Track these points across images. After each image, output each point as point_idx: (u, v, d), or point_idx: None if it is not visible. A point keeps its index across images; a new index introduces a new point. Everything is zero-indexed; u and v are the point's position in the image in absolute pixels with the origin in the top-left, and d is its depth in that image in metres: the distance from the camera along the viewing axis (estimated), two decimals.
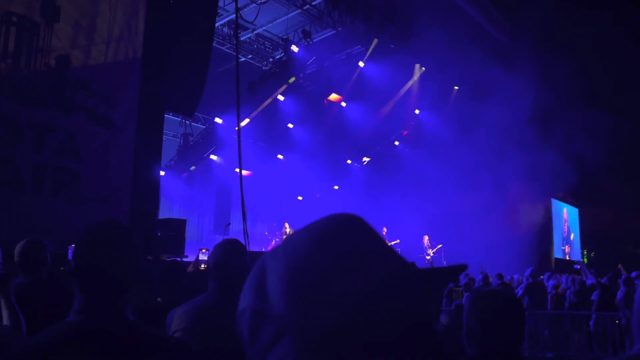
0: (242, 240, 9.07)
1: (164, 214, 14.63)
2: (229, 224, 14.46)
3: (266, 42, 19.90)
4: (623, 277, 9.39)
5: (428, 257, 18.42)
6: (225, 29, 17.96)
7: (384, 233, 18.05)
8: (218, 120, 17.72)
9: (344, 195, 20.88)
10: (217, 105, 17.01)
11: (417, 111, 21.38)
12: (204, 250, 8.29)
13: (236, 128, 9.87)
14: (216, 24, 14.46)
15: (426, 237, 18.75)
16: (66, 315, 1.47)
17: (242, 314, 0.68)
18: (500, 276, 10.95)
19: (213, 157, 18.86)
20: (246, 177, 15.37)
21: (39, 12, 7.89)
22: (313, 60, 17.84)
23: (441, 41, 16.17)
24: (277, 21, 17.73)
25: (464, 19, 17.53)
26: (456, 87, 20.60)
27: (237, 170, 9.90)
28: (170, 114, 15.23)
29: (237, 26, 10.50)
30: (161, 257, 8.74)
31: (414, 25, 16.76)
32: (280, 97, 18.62)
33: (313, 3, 16.40)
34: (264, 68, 19.57)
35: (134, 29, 9.11)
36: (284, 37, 18.03)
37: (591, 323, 9.42)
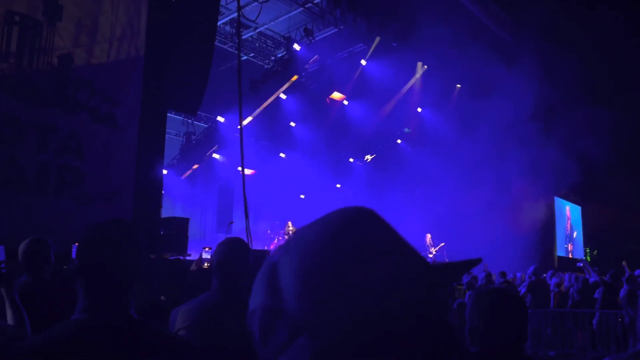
0: (245, 239, 9.09)
1: (166, 212, 14.65)
2: (232, 222, 14.48)
3: (268, 41, 19.89)
4: (626, 275, 9.37)
5: (431, 255, 18.40)
6: (228, 28, 17.95)
7: None
8: (220, 118, 17.73)
9: (347, 194, 20.87)
10: (220, 104, 17.02)
11: (419, 109, 21.36)
12: (207, 249, 8.29)
13: (238, 127, 9.88)
14: (218, 23, 14.46)
15: (429, 236, 18.73)
16: (70, 313, 1.48)
17: (253, 313, 0.66)
18: (503, 274, 10.95)
19: (215, 155, 18.87)
20: (248, 175, 15.38)
21: (41, 11, 7.90)
22: (315, 58, 17.83)
23: (443, 39, 16.14)
24: (279, 19, 17.71)
25: (466, 16, 17.50)
26: (458, 85, 20.56)
27: (240, 168, 9.91)
28: (173, 112, 15.24)
29: (239, 24, 10.50)
30: (164, 255, 8.76)
31: (415, 23, 16.72)
32: (283, 96, 18.62)
33: (315, 1, 16.39)
34: (266, 66, 19.57)
35: (136, 28, 9.12)
36: (286, 35, 18.02)
37: (594, 321, 9.40)
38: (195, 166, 18.59)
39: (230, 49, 17.86)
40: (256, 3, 15.44)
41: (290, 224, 17.68)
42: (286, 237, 17.54)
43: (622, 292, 8.87)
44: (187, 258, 9.65)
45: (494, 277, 10.71)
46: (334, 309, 0.59)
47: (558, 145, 19.44)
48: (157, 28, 9.34)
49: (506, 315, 1.99)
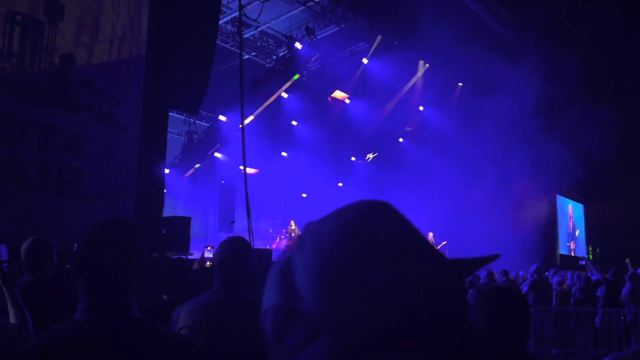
0: (247, 238, 9.09)
1: (168, 211, 14.67)
2: (234, 221, 14.51)
3: (270, 40, 19.89)
4: (629, 272, 9.36)
5: None
6: (229, 27, 17.95)
7: None
8: (222, 117, 17.73)
9: (348, 192, 20.87)
10: (221, 103, 17.03)
11: (421, 108, 21.34)
12: (209, 248, 8.30)
13: (240, 126, 9.89)
14: (220, 22, 14.46)
15: (431, 234, 18.72)
16: (72, 313, 1.48)
17: (266, 313, 0.63)
18: (505, 273, 10.94)
19: (217, 154, 18.88)
20: (251, 174, 15.38)
21: (42, 11, 7.91)
22: (317, 57, 17.83)
23: (445, 37, 16.13)
24: (281, 18, 17.71)
25: (467, 14, 17.48)
26: (460, 84, 20.54)
27: (242, 167, 9.91)
28: (175, 111, 15.25)
29: (240, 23, 10.49)
30: (166, 254, 8.77)
31: (417, 22, 16.70)
32: (284, 95, 18.61)
33: (316, 0, 16.38)
34: (267, 65, 19.56)
35: (137, 27, 9.12)
36: (288, 34, 18.02)
37: (597, 319, 9.39)
38: (197, 165, 18.60)
39: (232, 48, 17.86)
40: (257, 2, 15.45)
41: (292, 223, 17.70)
42: (289, 236, 17.56)
43: (625, 290, 8.86)
44: (189, 257, 9.67)
45: (496, 276, 10.71)
46: (355, 308, 0.56)
47: (560, 143, 19.43)
48: (158, 27, 9.34)
49: (508, 313, 1.98)
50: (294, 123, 20.07)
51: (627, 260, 10.59)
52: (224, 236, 11.22)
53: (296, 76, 18.00)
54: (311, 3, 16.31)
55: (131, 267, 1.52)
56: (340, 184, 21.63)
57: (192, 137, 19.05)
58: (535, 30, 18.17)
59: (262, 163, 18.76)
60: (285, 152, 20.76)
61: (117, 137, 8.67)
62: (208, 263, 6.90)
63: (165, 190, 10.73)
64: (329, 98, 19.74)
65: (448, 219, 18.84)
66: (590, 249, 27.62)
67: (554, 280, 11.08)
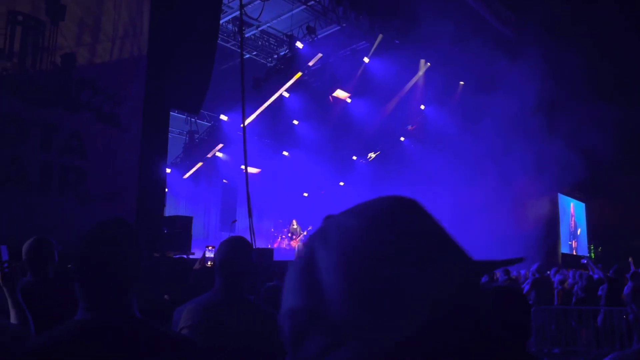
0: (248, 237, 9.10)
1: (170, 211, 14.68)
2: (235, 220, 14.51)
3: (271, 39, 19.88)
4: (631, 271, 9.33)
5: None
6: (230, 26, 17.95)
7: None
8: (223, 117, 17.73)
9: (350, 192, 20.86)
10: (222, 103, 17.02)
11: (422, 106, 21.32)
12: (210, 248, 8.31)
13: (241, 125, 9.89)
14: (221, 21, 14.46)
15: None
16: (73, 313, 1.48)
17: (287, 314, 0.58)
18: (506, 272, 10.91)
19: (219, 154, 18.88)
20: (252, 174, 15.37)
21: (44, 11, 7.92)
22: (318, 57, 17.81)
23: (446, 36, 16.11)
24: (282, 18, 17.70)
25: (468, 12, 17.46)
26: (462, 82, 20.52)
27: (243, 167, 9.92)
28: (176, 111, 15.25)
29: (241, 23, 10.51)
30: (168, 254, 8.78)
31: (418, 21, 16.69)
32: (285, 94, 18.61)
33: None
34: (268, 65, 19.56)
35: (138, 27, 9.13)
36: (289, 33, 18.00)
37: (599, 318, 9.38)
38: (199, 165, 18.60)
39: (233, 48, 17.86)
40: (259, 1, 15.45)
41: (295, 222, 17.72)
42: (290, 235, 17.58)
43: (627, 289, 8.83)
44: (191, 257, 9.67)
45: (497, 275, 10.69)
46: (386, 310, 0.53)
47: (562, 142, 19.40)
48: (159, 27, 9.34)
49: (510, 313, 1.98)
50: (296, 122, 20.07)
51: (630, 259, 10.56)
52: (225, 235, 11.21)
53: (298, 74, 17.99)
54: (312, 2, 16.30)
55: (131, 267, 1.52)
56: (341, 183, 21.62)
57: (193, 136, 19.05)
58: (536, 27, 18.14)
59: (263, 162, 18.76)
60: (287, 151, 20.76)
61: (119, 136, 8.68)
62: (209, 263, 6.90)
63: (166, 190, 10.74)
64: (330, 97, 19.73)
65: (450, 217, 18.79)
66: (592, 247, 27.59)
67: (556, 279, 11.07)
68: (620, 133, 19.21)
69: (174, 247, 9.50)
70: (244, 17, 13.56)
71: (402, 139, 22.41)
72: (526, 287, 10.25)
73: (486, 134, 18.48)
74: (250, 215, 9.03)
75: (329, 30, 18.16)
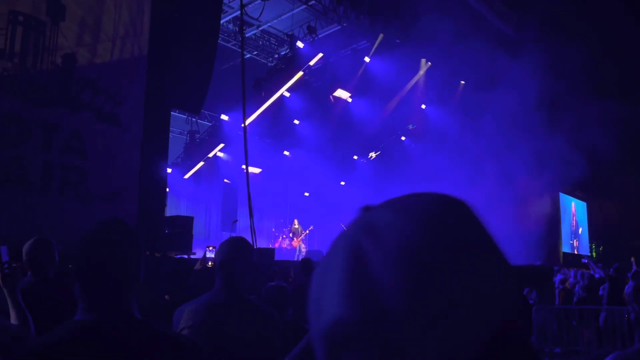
0: (249, 237, 9.10)
1: (171, 211, 14.68)
2: (236, 220, 14.50)
3: (271, 39, 19.87)
4: (633, 270, 9.33)
5: None
6: (231, 26, 17.94)
7: None
8: (224, 117, 17.72)
9: (351, 191, 20.86)
10: (223, 102, 17.01)
11: (423, 106, 21.31)
12: (210, 248, 8.32)
13: (242, 125, 9.89)
14: (221, 21, 14.45)
15: None
16: (73, 313, 1.48)
17: (332, 326, 0.49)
18: None
19: (220, 154, 18.88)
20: (253, 174, 15.37)
21: (44, 11, 7.92)
22: (319, 57, 17.81)
23: (447, 35, 16.10)
24: (282, 17, 17.69)
25: (469, 11, 17.45)
26: (462, 82, 20.51)
27: (244, 167, 9.92)
28: (177, 111, 15.25)
29: (242, 23, 10.51)
30: (169, 254, 8.78)
31: (419, 20, 16.68)
32: (286, 94, 18.61)
33: None
34: (269, 64, 19.55)
35: (139, 27, 9.13)
36: (289, 33, 18.00)
37: (600, 318, 9.37)
38: (200, 165, 18.60)
39: (234, 47, 17.86)
40: (259, 1, 15.44)
41: (296, 221, 17.70)
42: (291, 235, 17.57)
43: (628, 288, 8.83)
44: (192, 257, 9.68)
45: None
46: (450, 330, 0.47)
47: (563, 141, 19.38)
48: (160, 27, 9.34)
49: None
50: (296, 122, 20.06)
51: (633, 259, 10.55)
52: (226, 235, 11.22)
53: (300, 74, 17.98)
54: (313, 2, 16.29)
55: (131, 267, 1.52)
56: (342, 183, 21.62)
57: (194, 136, 19.04)
58: (538, 26, 18.12)
59: (264, 162, 18.76)
60: (288, 151, 20.76)
61: (119, 136, 8.68)
62: (210, 263, 6.91)
63: (167, 190, 10.74)
64: (331, 97, 19.72)
65: None
66: (594, 246, 27.57)
67: (557, 278, 11.06)
68: (623, 132, 19.19)
69: (175, 247, 9.50)
70: (245, 17, 13.56)
71: (403, 138, 22.40)
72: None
73: (487, 133, 18.48)
74: (251, 215, 9.02)
75: (330, 30, 18.16)
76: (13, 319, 2.44)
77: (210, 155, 18.66)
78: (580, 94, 18.97)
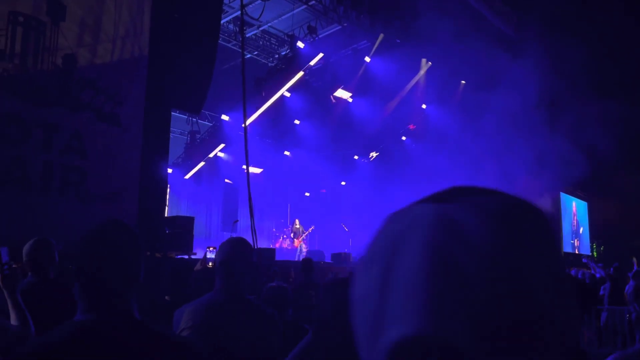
0: (250, 237, 9.10)
1: (171, 211, 14.70)
2: (237, 220, 14.50)
3: (272, 39, 19.87)
4: (634, 270, 9.32)
5: None
6: (231, 26, 17.94)
7: None
8: (225, 117, 17.73)
9: (351, 191, 20.86)
10: (224, 103, 17.02)
11: (424, 106, 21.30)
12: (211, 248, 8.30)
13: (243, 125, 9.88)
14: (221, 21, 14.45)
15: None
16: (74, 313, 1.48)
17: (406, 344, 0.41)
18: None
19: (220, 154, 18.88)
20: (254, 174, 15.36)
21: (45, 11, 7.92)
22: (319, 56, 17.80)
23: (447, 35, 16.08)
24: (283, 17, 17.69)
25: (469, 11, 17.44)
26: (463, 82, 20.49)
27: (244, 167, 9.91)
28: (177, 111, 15.26)
29: (242, 23, 10.49)
30: (169, 254, 8.78)
31: (419, 20, 16.67)
32: (287, 94, 18.60)
33: None
34: (269, 64, 19.55)
35: (139, 27, 9.13)
36: (290, 33, 18.00)
37: (602, 318, 9.36)
38: (200, 165, 18.61)
39: (234, 48, 17.86)
40: (259, 1, 15.44)
41: (297, 221, 17.68)
42: (293, 235, 17.56)
43: (629, 288, 8.82)
44: (193, 257, 9.67)
45: None
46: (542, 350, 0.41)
47: (564, 140, 19.36)
48: (160, 27, 9.34)
49: None
50: (297, 122, 20.06)
51: (634, 259, 10.54)
52: (227, 235, 11.21)
53: (300, 73, 17.97)
54: (313, 2, 16.28)
55: (130, 268, 1.52)
56: (343, 183, 21.62)
57: (194, 136, 19.04)
58: (538, 25, 18.10)
59: (264, 162, 18.75)
60: (288, 151, 20.76)
61: (119, 136, 8.68)
62: (210, 263, 6.91)
63: (168, 190, 10.74)
64: (332, 97, 19.71)
65: None
66: (594, 246, 27.55)
67: None
68: (624, 132, 19.16)
69: (175, 247, 9.50)
70: (245, 17, 13.55)
71: (403, 138, 22.39)
72: None
73: (488, 133, 18.46)
74: (252, 215, 9.01)
75: (330, 30, 18.15)
76: (13, 320, 2.43)
77: (211, 155, 18.66)
78: (580, 93, 18.95)
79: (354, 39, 18.30)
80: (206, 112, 18.43)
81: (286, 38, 18.62)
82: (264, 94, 17.59)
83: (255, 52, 19.64)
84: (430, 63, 19.66)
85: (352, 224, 18.19)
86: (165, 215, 10.34)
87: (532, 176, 19.63)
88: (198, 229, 11.85)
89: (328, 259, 14.59)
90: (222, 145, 18.44)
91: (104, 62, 8.59)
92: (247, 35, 17.88)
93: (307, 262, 7.22)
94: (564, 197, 24.12)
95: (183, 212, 15.91)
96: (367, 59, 18.53)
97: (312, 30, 17.07)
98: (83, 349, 1.39)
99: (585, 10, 19.00)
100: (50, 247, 3.20)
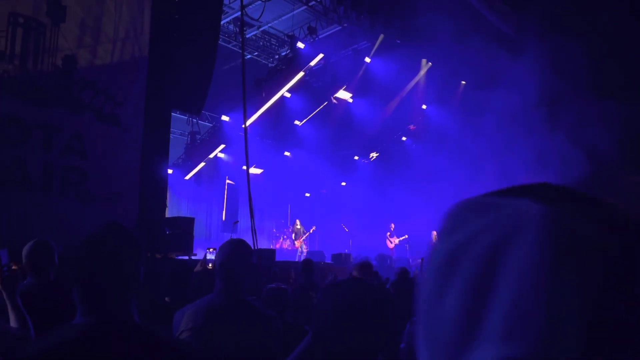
0: (250, 238, 9.10)
1: (172, 212, 14.68)
2: (237, 221, 14.49)
3: (272, 39, 19.86)
4: None
5: None
6: (231, 27, 17.94)
7: (392, 229, 18.03)
8: (225, 118, 17.73)
9: (352, 191, 20.85)
10: (224, 103, 17.02)
11: (424, 106, 21.30)
12: (211, 250, 8.28)
13: (243, 126, 9.88)
14: (222, 22, 14.45)
15: (434, 233, 18.67)
16: (73, 316, 1.47)
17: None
18: None
19: (220, 154, 18.88)
20: (254, 174, 15.36)
21: (45, 12, 7.92)
22: (319, 56, 17.80)
23: (447, 35, 16.09)
24: (283, 18, 17.68)
25: (469, 11, 17.43)
26: (463, 82, 20.49)
27: (245, 167, 9.91)
28: (177, 112, 15.26)
29: (242, 23, 10.50)
30: (170, 255, 8.77)
31: (419, 20, 16.66)
32: (287, 94, 18.60)
33: None
34: (270, 65, 19.54)
35: (139, 28, 9.12)
36: (290, 33, 17.99)
37: None
38: (201, 165, 18.61)
39: (234, 48, 17.85)
40: (260, 2, 15.45)
41: (298, 222, 17.67)
42: (293, 235, 17.55)
43: None
44: (193, 258, 9.66)
45: None
46: None
47: (564, 140, 19.34)
48: (160, 28, 9.34)
49: None
50: (297, 123, 20.05)
51: None
52: (227, 236, 11.21)
53: (301, 74, 17.97)
54: (313, 2, 16.28)
55: (129, 270, 1.51)
56: (343, 183, 21.62)
57: (195, 137, 19.04)
58: (538, 25, 18.08)
59: (265, 163, 18.75)
60: (289, 151, 20.76)
61: (120, 137, 8.68)
62: (210, 265, 6.90)
63: (168, 191, 10.74)
64: (332, 98, 19.71)
65: None
66: None
67: None
68: (625, 131, 19.13)
69: (175, 248, 9.48)
70: (245, 18, 13.55)
71: (403, 138, 22.38)
72: None
73: (488, 133, 18.46)
74: (252, 216, 9.02)
75: (330, 31, 18.15)
76: (12, 322, 2.43)
77: (211, 156, 18.66)
78: (581, 93, 18.93)
79: (354, 39, 18.29)
80: (206, 113, 18.42)
81: (286, 38, 18.62)
82: (264, 95, 17.59)
83: (256, 53, 19.64)
84: (430, 63, 19.66)
85: (352, 225, 18.19)
86: (166, 215, 10.34)
87: (532, 176, 19.62)
88: (198, 229, 11.85)
89: (328, 260, 14.58)
90: (222, 146, 18.44)
91: (104, 62, 8.59)
92: (247, 36, 17.88)
93: (308, 262, 7.20)
94: None
95: (183, 213, 15.91)
96: (367, 60, 18.52)
97: (312, 31, 17.06)
98: (82, 353, 1.39)
99: (585, 10, 18.99)
100: (50, 249, 3.20)
